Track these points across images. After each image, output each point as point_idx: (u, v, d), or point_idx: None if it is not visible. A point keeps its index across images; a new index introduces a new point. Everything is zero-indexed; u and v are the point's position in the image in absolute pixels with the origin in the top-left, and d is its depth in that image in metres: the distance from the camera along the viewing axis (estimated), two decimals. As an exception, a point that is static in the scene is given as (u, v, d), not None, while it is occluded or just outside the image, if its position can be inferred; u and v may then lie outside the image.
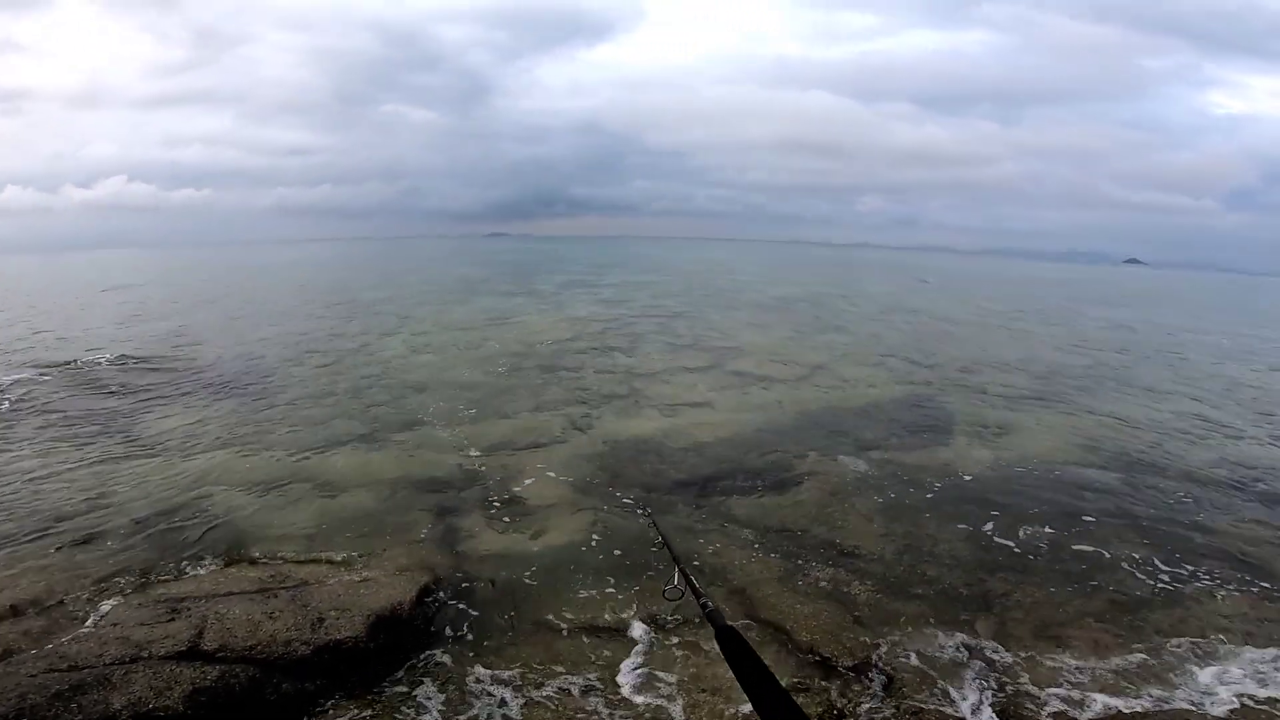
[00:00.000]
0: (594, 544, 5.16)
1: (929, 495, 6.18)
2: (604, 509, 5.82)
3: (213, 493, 6.14)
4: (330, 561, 4.87)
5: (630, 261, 62.18)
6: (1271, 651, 3.74)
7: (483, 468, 6.84)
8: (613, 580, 4.60)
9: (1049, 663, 3.69)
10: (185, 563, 4.82)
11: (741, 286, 33.72)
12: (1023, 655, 3.77)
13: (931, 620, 4.11)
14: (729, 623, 1.08)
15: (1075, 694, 3.43)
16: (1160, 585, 4.54)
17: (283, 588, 4.23)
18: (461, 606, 4.30)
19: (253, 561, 4.85)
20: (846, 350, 14.59)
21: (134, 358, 12.42)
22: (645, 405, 9.37)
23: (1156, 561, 4.90)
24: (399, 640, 3.85)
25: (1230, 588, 4.51)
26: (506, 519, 5.68)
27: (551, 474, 6.68)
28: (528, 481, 6.47)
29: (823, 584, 4.53)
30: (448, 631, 4.05)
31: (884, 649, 3.82)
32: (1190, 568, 4.82)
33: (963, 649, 3.83)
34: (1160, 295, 48.10)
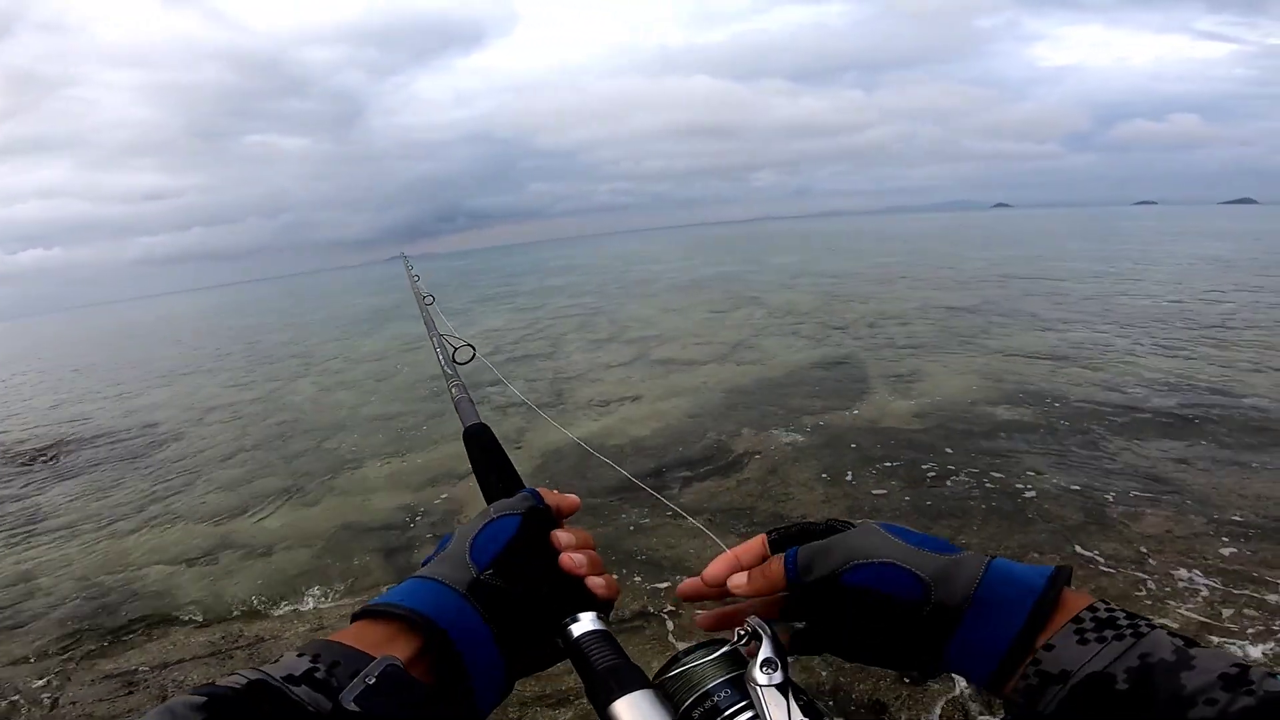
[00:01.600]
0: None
1: (862, 454, 6.48)
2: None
3: (139, 569, 5.83)
4: (280, 617, 4.70)
5: (540, 266, 61.60)
6: (1201, 561, 4.11)
7: (423, 501, 6.61)
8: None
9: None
10: (127, 637, 4.65)
11: (654, 275, 34.04)
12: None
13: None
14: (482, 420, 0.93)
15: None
16: (1088, 513, 4.88)
17: (237, 648, 4.16)
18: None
19: (198, 626, 4.67)
20: (762, 322, 15.06)
21: (13, 440, 11.17)
22: (576, 408, 9.33)
23: (1078, 490, 5.27)
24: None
25: (1149, 507, 4.89)
26: (456, 550, 5.52)
27: (494, 495, 6.54)
28: (471, 507, 6.31)
29: (779, 557, 4.68)
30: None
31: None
32: (1110, 493, 5.18)
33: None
34: (1028, 233, 52.44)
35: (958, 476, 5.75)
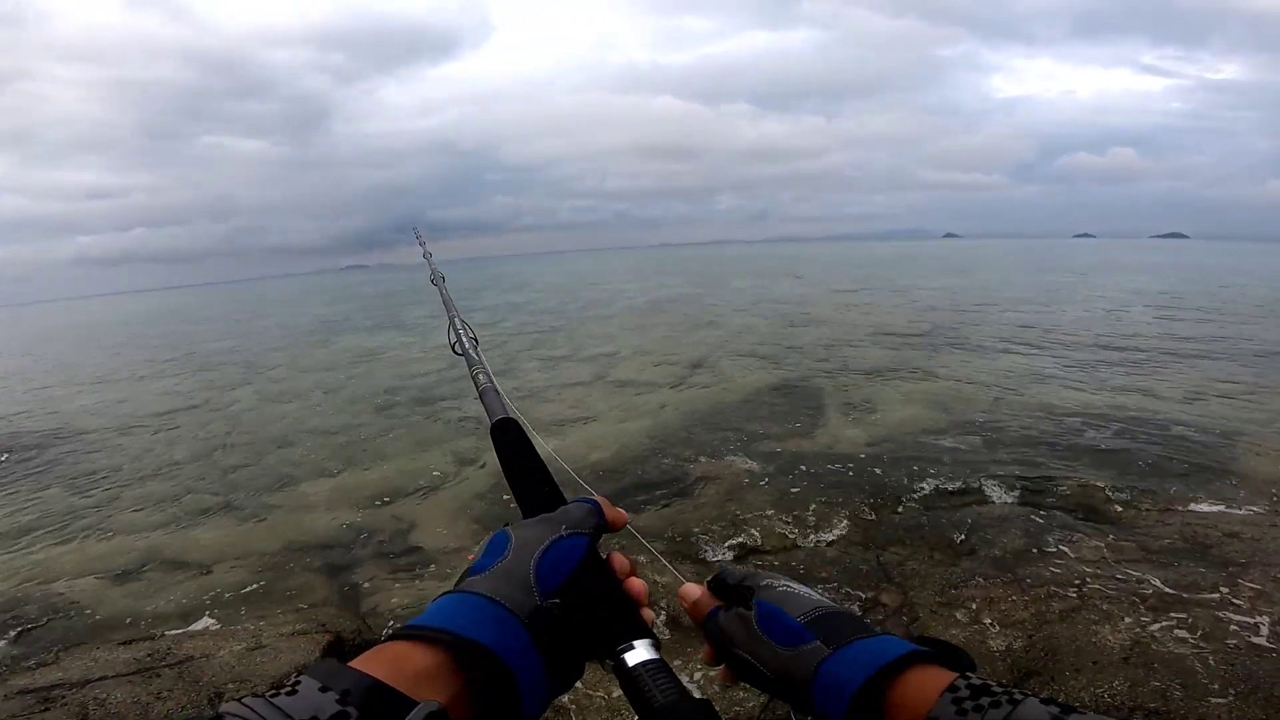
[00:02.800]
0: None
1: (816, 480, 6.56)
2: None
3: (58, 584, 5.50)
4: (213, 634, 4.45)
5: (499, 281, 61.15)
6: (1134, 585, 4.23)
7: (372, 519, 6.39)
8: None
9: (955, 619, 4.03)
10: (43, 653, 4.33)
11: (613, 295, 34.13)
12: (931, 616, 4.08)
13: (843, 598, 4.37)
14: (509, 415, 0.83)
15: (983, 644, 3.76)
16: (1028, 540, 5.00)
17: (165, 666, 3.88)
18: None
19: (123, 643, 4.36)
20: (720, 345, 15.21)
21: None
22: (533, 427, 9.19)
23: (1019, 518, 5.41)
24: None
25: (1085, 536, 5.04)
26: (407, 569, 5.35)
27: (446, 516, 6.37)
28: (423, 527, 6.14)
29: (734, 582, 4.67)
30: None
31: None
32: (1048, 520, 5.34)
33: (877, 619, 4.11)
34: (975, 263, 54.74)
35: (907, 503, 5.88)
